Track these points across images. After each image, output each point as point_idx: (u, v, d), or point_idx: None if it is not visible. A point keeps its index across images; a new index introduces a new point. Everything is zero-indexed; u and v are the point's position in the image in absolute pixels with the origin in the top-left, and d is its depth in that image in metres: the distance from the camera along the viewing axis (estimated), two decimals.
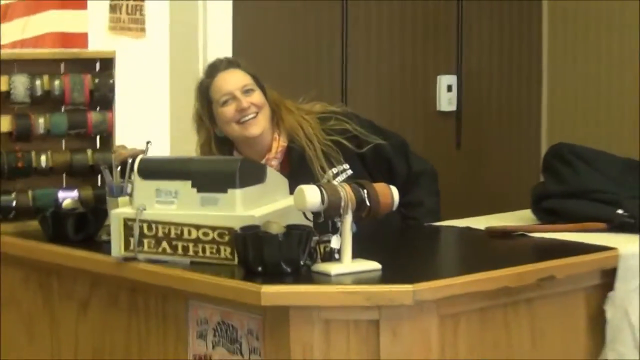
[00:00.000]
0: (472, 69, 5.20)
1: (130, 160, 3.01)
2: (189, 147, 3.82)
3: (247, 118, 3.36)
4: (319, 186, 2.62)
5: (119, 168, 3.13)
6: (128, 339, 2.96)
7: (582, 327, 2.97)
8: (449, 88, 5.13)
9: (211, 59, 4.06)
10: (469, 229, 3.37)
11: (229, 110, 3.37)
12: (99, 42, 7.20)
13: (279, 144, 3.43)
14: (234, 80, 3.39)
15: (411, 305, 2.50)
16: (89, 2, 7.40)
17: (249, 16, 4.31)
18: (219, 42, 4.24)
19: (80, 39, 7.44)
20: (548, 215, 3.31)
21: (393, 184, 3.19)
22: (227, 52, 4.20)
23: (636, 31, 5.08)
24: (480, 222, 3.43)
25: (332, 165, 3.38)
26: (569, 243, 3.08)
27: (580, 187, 3.26)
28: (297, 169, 3.39)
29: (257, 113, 3.38)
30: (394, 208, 2.75)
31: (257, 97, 3.39)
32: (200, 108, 3.46)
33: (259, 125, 3.39)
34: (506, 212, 3.69)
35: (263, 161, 3.36)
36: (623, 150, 3.93)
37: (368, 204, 2.67)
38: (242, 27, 4.29)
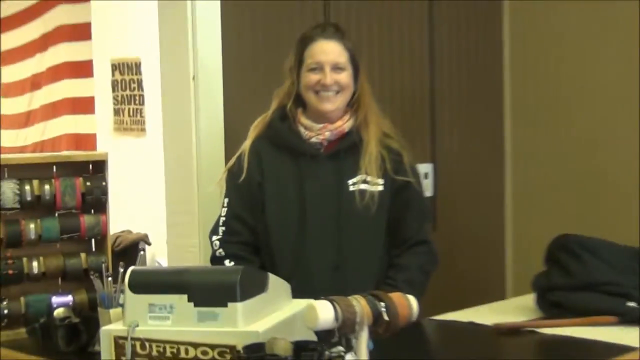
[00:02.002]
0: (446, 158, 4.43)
1: (121, 270, 2.29)
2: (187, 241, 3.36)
3: (325, 92, 2.76)
4: (331, 301, 1.89)
5: (110, 278, 2.38)
6: None
7: None
8: (426, 176, 4.36)
9: (205, 148, 3.47)
10: (473, 324, 2.64)
11: (313, 78, 2.76)
12: (106, 142, 6.77)
13: (343, 124, 2.81)
14: (329, 53, 2.78)
15: None
16: (96, 107, 6.99)
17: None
18: (212, 136, 3.51)
19: (90, 139, 7.02)
20: (554, 307, 2.66)
21: (397, 222, 2.83)
22: (218, 141, 3.48)
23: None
24: (480, 315, 2.74)
25: (374, 174, 2.78)
26: (588, 342, 2.36)
27: (588, 279, 2.62)
28: (341, 155, 2.81)
29: (337, 92, 2.77)
30: (414, 319, 2.03)
31: (345, 77, 2.78)
32: (293, 59, 2.85)
33: (334, 104, 2.78)
34: (505, 301, 3.04)
35: (320, 127, 2.80)
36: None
37: (386, 318, 1.94)
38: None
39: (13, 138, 7.91)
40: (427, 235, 2.90)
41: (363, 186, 2.77)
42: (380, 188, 2.79)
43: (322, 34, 2.82)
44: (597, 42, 4.32)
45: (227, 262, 2.78)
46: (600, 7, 4.30)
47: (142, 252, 2.26)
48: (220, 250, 2.81)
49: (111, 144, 6.75)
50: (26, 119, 7.83)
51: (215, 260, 2.82)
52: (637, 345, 2.24)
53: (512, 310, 2.75)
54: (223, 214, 2.85)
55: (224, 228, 2.83)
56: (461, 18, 4.45)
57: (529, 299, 2.80)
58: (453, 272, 3.44)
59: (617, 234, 2.86)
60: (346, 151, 2.81)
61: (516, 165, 4.62)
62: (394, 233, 2.84)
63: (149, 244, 6.18)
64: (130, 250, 5.60)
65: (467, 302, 2.91)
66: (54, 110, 7.48)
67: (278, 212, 2.79)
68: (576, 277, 2.59)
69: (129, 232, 5.92)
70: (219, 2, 3.46)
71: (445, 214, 4.19)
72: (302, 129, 2.81)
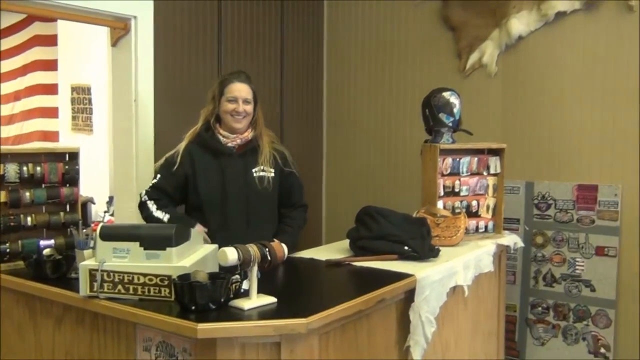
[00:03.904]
0: None
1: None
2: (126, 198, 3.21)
3: (237, 116, 2.67)
4: (235, 247, 1.83)
5: (84, 230, 2.26)
6: (90, 347, 2.05)
7: (395, 326, 2.26)
8: None
9: (141, 147, 3.30)
10: (313, 259, 2.60)
11: (230, 106, 2.66)
12: (65, 137, 6.53)
13: (248, 134, 2.72)
14: (242, 91, 2.68)
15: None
16: (59, 114, 6.64)
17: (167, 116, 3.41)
18: (145, 139, 3.35)
19: (54, 135, 6.71)
20: (360, 249, 2.62)
21: (287, 196, 2.80)
22: (150, 143, 3.33)
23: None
24: (316, 253, 2.69)
25: (268, 165, 2.73)
26: (385, 272, 2.36)
27: (381, 232, 2.61)
28: (247, 154, 2.72)
29: (244, 116, 2.68)
30: (284, 259, 1.97)
31: (249, 108, 2.69)
32: (216, 91, 2.72)
33: (242, 123, 2.69)
34: (329, 244, 2.97)
35: (233, 136, 2.70)
36: None
37: (269, 258, 1.89)
38: (163, 117, 3.37)
39: None
40: (304, 201, 2.87)
41: (262, 173, 2.69)
42: (272, 174, 2.71)
43: (238, 78, 2.71)
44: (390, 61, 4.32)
45: (149, 204, 2.66)
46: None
47: (104, 213, 2.15)
48: (145, 197, 2.67)
49: (69, 139, 6.47)
50: (9, 120, 7.37)
51: (141, 205, 2.68)
52: (412, 273, 2.27)
53: (335, 251, 2.71)
54: (152, 183, 2.70)
55: (149, 190, 2.68)
56: (300, 42, 4.29)
57: (344, 244, 2.78)
58: None
59: (397, 206, 2.88)
60: (250, 152, 2.71)
61: (330, 159, 4.52)
62: (286, 201, 2.79)
63: (94, 204, 5.91)
64: (82, 206, 5.36)
65: (302, 247, 2.82)
66: (29, 114, 7.09)
67: (207, 192, 2.65)
68: (374, 231, 2.58)
69: (81, 195, 5.64)
70: (152, 52, 3.31)
71: None
72: (221, 137, 2.68)
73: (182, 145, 2.72)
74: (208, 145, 2.69)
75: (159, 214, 2.64)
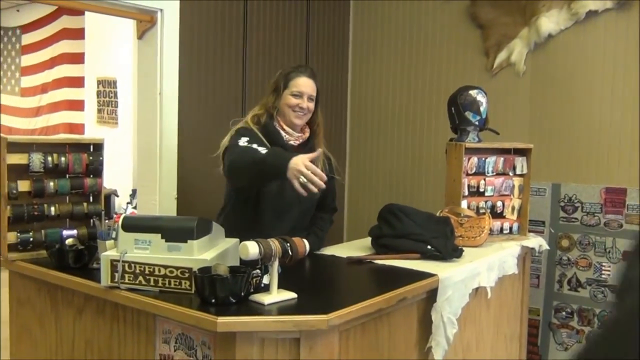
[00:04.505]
0: None
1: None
2: (150, 191, 3.17)
3: (299, 112, 2.56)
4: (257, 242, 1.82)
5: (106, 221, 2.26)
6: (110, 338, 2.06)
7: (416, 326, 2.23)
8: None
9: (165, 140, 3.28)
10: (334, 256, 2.58)
11: (294, 100, 2.55)
12: (91, 130, 6.61)
13: (307, 134, 2.64)
14: (308, 87, 2.58)
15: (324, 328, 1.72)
16: (85, 107, 6.71)
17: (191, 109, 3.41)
18: (170, 132, 3.35)
19: (80, 127, 6.78)
20: (382, 247, 2.59)
21: (323, 198, 2.67)
22: (174, 136, 3.31)
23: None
24: (337, 250, 2.68)
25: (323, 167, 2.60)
26: (407, 270, 2.33)
27: (404, 231, 2.57)
28: (306, 150, 2.55)
29: (305, 113, 2.58)
30: (306, 254, 1.94)
31: (312, 105, 2.60)
32: (280, 82, 2.60)
33: (302, 120, 2.59)
34: (350, 242, 2.95)
35: (297, 135, 2.61)
36: None
37: (290, 253, 1.87)
38: (186, 115, 3.36)
39: (27, 123, 7.64)
40: (335, 205, 2.84)
41: None
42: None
43: (305, 73, 2.60)
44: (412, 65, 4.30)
45: (246, 143, 2.45)
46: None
47: (127, 205, 2.16)
48: (241, 142, 2.46)
49: (94, 131, 6.55)
50: (36, 112, 7.52)
51: (236, 147, 2.43)
52: (435, 273, 2.24)
53: (357, 248, 2.69)
54: (241, 142, 2.47)
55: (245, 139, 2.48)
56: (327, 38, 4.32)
57: (365, 242, 2.74)
58: None
59: (420, 204, 2.85)
60: (305, 152, 2.57)
61: (353, 156, 4.51)
62: (320, 204, 2.72)
63: (118, 196, 5.96)
64: (105, 198, 5.45)
65: (323, 243, 2.77)
66: (55, 107, 7.22)
67: (267, 191, 2.51)
68: (397, 229, 2.55)
69: (104, 187, 5.76)
70: (177, 45, 3.32)
71: None
72: (282, 132, 2.58)
73: (248, 121, 2.59)
74: (269, 136, 2.56)
75: (255, 147, 2.44)
